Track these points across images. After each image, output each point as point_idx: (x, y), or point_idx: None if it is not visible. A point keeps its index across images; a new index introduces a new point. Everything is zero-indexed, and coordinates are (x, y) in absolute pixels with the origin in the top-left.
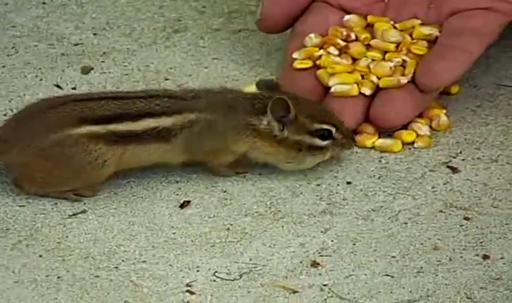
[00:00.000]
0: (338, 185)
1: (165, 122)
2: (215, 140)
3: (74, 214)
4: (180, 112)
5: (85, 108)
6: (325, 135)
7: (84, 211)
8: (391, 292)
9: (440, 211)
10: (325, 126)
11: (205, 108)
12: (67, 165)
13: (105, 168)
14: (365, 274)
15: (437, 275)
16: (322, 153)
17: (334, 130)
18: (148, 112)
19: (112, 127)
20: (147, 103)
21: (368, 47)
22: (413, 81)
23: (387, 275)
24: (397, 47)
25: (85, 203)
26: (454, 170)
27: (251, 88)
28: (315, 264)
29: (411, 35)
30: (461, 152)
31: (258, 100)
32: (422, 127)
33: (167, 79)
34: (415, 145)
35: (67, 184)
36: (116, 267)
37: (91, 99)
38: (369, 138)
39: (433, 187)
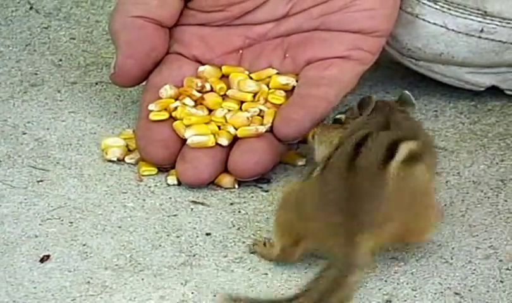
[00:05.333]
0: (197, 236)
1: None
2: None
3: None
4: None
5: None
6: None
7: None
8: None
9: (301, 260)
10: None
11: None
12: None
13: None
14: None
15: None
16: None
17: None
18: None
19: None
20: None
21: (225, 97)
22: (271, 130)
23: None
24: (254, 96)
25: None
26: None
27: (110, 141)
28: None
29: (267, 85)
30: None
31: None
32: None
33: (24, 134)
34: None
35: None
36: None
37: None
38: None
39: None
